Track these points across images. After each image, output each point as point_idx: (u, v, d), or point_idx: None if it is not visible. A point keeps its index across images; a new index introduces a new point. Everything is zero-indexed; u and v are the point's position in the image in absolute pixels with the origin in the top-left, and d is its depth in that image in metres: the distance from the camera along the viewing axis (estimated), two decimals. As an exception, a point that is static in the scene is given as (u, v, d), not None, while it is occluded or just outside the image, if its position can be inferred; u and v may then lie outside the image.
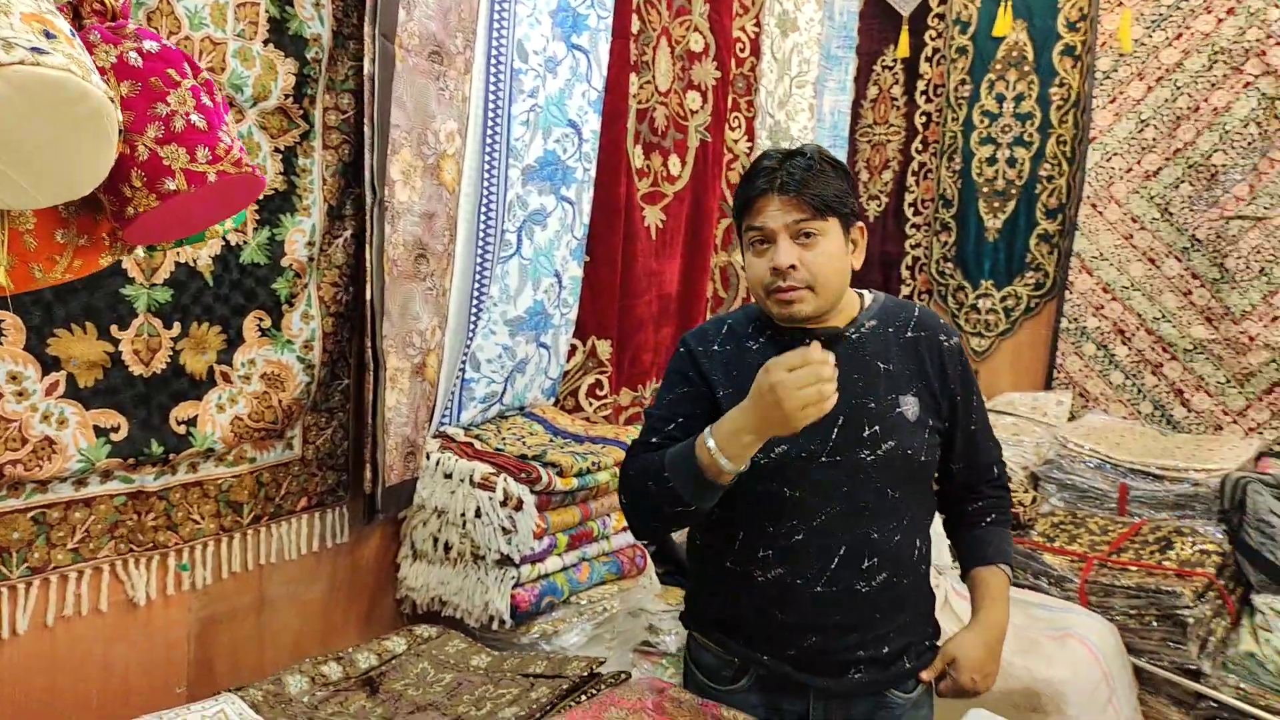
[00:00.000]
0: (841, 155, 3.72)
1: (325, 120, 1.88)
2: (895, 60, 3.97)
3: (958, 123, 3.94)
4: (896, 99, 4.02)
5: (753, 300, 1.59)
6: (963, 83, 3.91)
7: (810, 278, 1.43)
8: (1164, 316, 3.53)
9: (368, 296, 1.92)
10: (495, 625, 1.93)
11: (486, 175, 2.29)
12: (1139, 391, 3.59)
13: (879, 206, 4.11)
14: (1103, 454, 3.19)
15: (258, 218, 1.78)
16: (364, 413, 1.97)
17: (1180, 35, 3.44)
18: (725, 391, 1.50)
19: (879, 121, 4.04)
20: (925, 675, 1.52)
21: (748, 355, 1.52)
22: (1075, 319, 3.74)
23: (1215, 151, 3.39)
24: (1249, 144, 3.33)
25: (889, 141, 4.05)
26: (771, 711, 1.49)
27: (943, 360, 1.53)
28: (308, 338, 1.90)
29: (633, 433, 2.34)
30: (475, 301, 2.29)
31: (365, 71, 1.85)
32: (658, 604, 2.33)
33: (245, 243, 1.76)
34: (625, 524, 2.22)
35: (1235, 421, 3.40)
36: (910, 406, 1.49)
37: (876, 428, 1.46)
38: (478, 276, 2.29)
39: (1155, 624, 2.60)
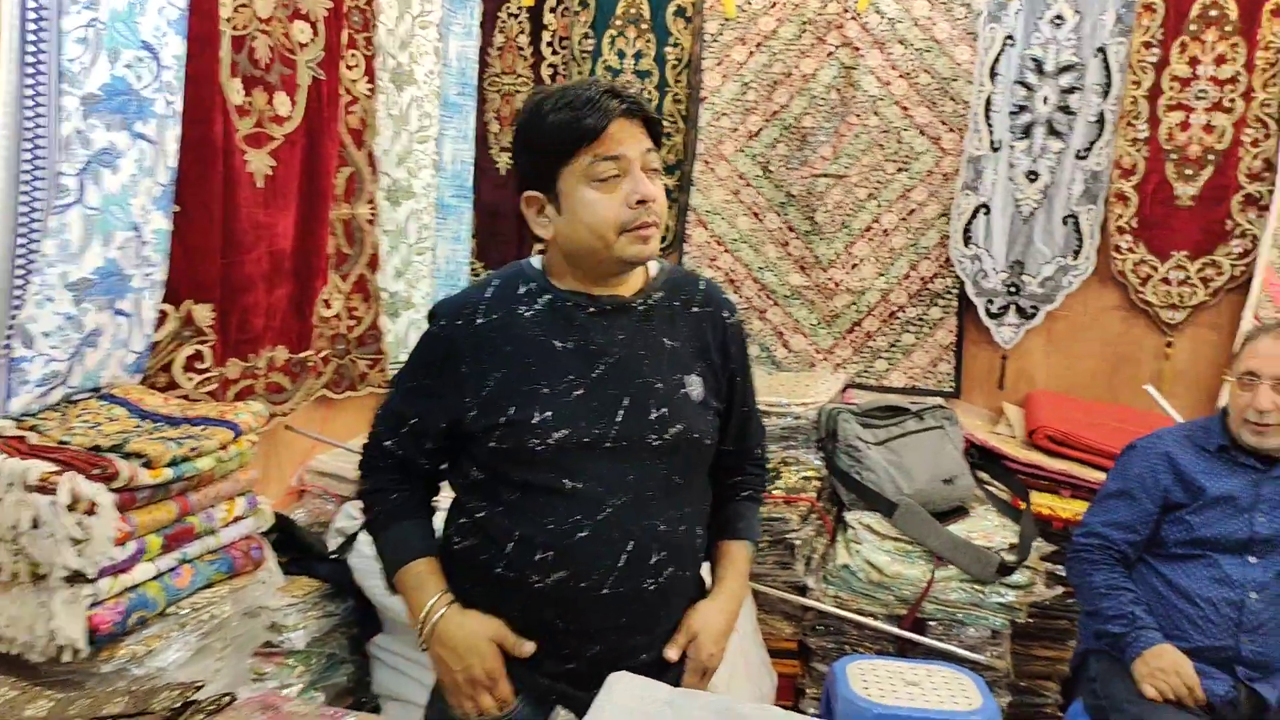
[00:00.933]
0: (470, 103, 3.59)
1: None
2: (521, 8, 3.88)
3: (582, 77, 3.96)
4: (523, 49, 3.94)
5: (547, 255, 1.41)
6: (586, 36, 3.93)
7: (659, 215, 1.33)
8: (767, 266, 3.86)
9: None
10: (67, 656, 1.59)
11: (31, 104, 1.86)
12: (749, 335, 3.91)
13: (510, 159, 4.03)
14: (720, 395, 3.44)
15: None
16: None
17: (775, 4, 3.72)
18: (497, 374, 1.34)
19: (506, 71, 3.95)
20: (670, 654, 1.42)
21: (519, 324, 1.36)
22: (693, 270, 3.97)
23: (805, 115, 3.74)
24: (832, 109, 3.71)
25: (517, 92, 3.97)
26: None
27: (725, 338, 1.47)
28: None
29: (242, 410, 2.06)
30: (23, 261, 1.87)
31: None
32: (281, 598, 2.10)
33: None
34: (237, 514, 1.96)
35: (825, 359, 3.83)
36: (695, 387, 1.41)
37: (664, 410, 1.36)
38: (25, 230, 1.87)
39: (769, 549, 2.86)
